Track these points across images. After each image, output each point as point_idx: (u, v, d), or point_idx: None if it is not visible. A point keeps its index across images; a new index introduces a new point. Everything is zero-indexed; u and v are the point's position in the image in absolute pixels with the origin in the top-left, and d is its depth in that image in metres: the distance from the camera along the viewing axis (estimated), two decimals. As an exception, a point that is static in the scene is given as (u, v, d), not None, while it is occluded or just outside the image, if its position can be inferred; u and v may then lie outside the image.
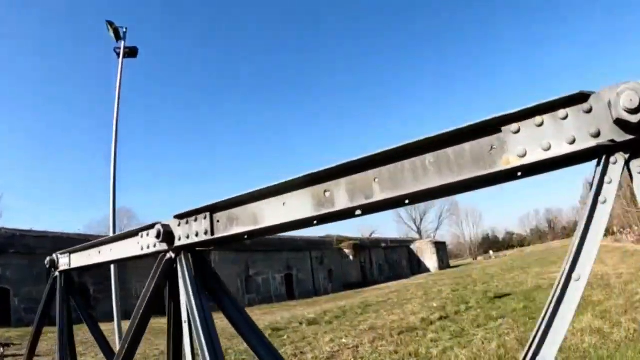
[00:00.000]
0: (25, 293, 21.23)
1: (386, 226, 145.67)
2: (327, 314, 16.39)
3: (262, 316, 18.69)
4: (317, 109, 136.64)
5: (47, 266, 3.45)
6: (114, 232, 8.77)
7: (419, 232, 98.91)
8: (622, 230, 50.98)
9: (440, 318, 11.96)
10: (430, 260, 60.78)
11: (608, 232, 54.04)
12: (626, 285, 12.84)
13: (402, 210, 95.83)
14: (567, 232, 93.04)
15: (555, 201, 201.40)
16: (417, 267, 60.74)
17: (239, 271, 31.33)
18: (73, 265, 3.25)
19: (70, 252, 3.29)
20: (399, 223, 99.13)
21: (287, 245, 37.65)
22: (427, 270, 59.87)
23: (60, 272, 3.38)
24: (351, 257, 46.06)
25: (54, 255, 3.45)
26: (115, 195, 8.54)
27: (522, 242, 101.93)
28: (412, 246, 62.95)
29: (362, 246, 48.64)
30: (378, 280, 48.01)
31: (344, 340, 10.14)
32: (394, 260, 56.06)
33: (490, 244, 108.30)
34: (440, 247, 64.29)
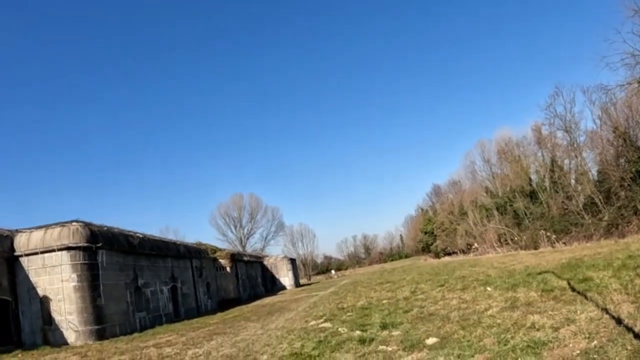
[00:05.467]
0: None
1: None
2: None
3: None
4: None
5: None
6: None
7: (244, 250, 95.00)
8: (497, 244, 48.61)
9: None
10: (285, 277, 58.59)
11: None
12: None
13: (228, 230, 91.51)
14: (384, 258, 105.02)
15: (371, 228, 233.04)
16: (271, 284, 57.61)
17: (128, 281, 22.65)
18: None
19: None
20: (224, 242, 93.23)
21: (171, 250, 29.90)
22: (282, 287, 57.34)
23: None
24: (228, 269, 40.09)
25: None
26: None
27: (340, 266, 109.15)
28: (265, 262, 59.66)
29: (237, 258, 43.18)
30: (242, 298, 43.11)
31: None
32: (252, 276, 51.65)
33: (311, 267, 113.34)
34: (293, 264, 62.98)
